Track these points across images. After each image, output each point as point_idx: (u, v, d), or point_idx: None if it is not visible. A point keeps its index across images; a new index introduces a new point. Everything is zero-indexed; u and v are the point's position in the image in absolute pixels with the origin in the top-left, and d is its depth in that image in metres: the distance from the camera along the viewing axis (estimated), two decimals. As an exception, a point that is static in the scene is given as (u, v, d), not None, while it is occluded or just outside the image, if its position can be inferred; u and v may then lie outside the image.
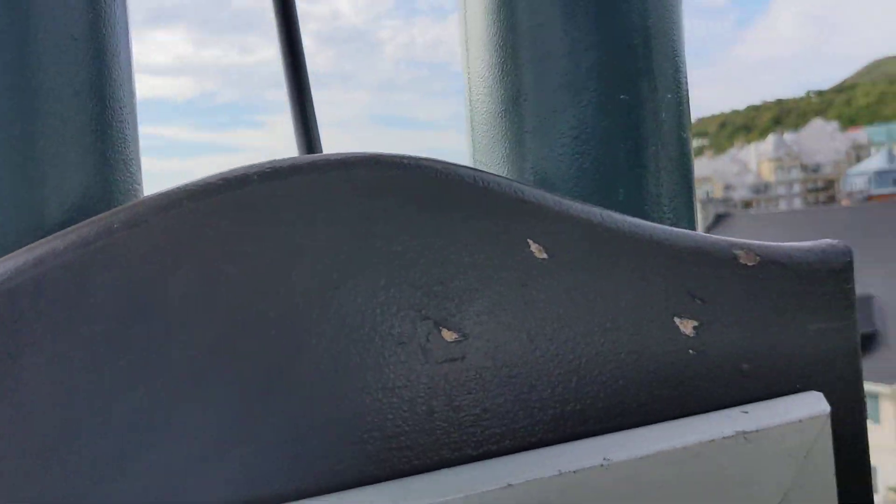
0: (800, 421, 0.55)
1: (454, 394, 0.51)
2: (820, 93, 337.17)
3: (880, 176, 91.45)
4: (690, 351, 0.56)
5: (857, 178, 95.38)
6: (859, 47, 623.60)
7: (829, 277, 0.59)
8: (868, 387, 39.13)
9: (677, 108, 0.77)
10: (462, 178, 0.52)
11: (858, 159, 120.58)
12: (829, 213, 51.21)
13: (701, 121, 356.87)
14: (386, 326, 0.50)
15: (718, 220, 54.82)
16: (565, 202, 0.56)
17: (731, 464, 0.53)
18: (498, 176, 0.55)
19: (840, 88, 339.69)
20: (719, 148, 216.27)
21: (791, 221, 51.76)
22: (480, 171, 0.54)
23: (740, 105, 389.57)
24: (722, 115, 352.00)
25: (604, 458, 0.50)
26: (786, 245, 0.60)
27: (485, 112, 0.76)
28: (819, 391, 0.58)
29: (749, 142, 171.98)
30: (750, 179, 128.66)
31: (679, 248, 0.57)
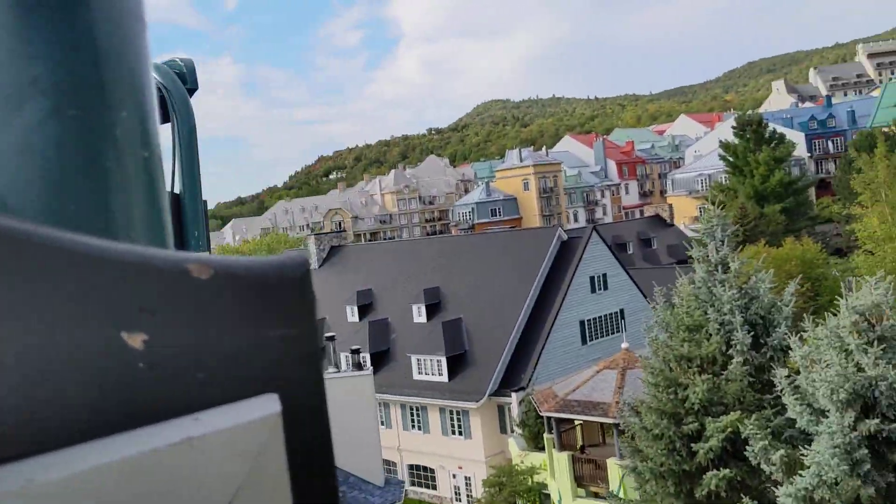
0: (250, 422, 0.56)
1: None
2: (439, 131, 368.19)
3: (480, 207, 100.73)
4: (140, 364, 0.55)
5: (463, 208, 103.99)
6: (471, 91, 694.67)
7: (288, 287, 0.60)
8: (458, 404, 41.63)
9: (138, 128, 0.76)
10: None
11: (466, 191, 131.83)
12: (426, 243, 54.21)
13: (338, 154, 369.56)
14: None
15: (332, 253, 55.25)
16: None
17: (178, 471, 0.53)
18: None
19: (455, 127, 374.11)
20: (354, 180, 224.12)
21: (397, 250, 53.93)
22: None
23: (373, 140, 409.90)
24: (357, 148, 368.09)
25: (26, 480, 0.47)
26: (245, 258, 0.61)
27: None
28: (279, 394, 0.59)
29: (380, 175, 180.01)
30: (376, 210, 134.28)
31: (126, 262, 0.55)
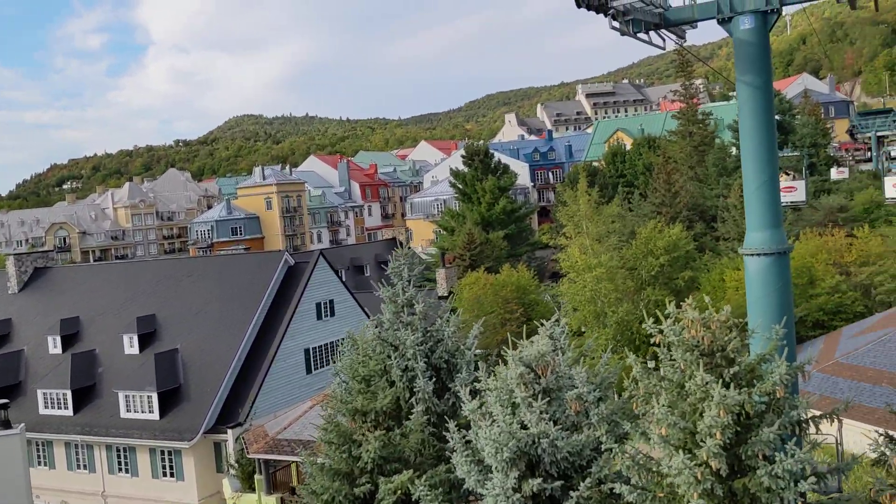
0: None
1: None
2: (187, 143, 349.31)
3: (220, 225, 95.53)
4: None
5: (202, 226, 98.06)
6: (223, 104, 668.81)
7: None
8: (170, 444, 37.77)
9: None
10: None
11: (209, 208, 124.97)
12: (144, 265, 49.35)
13: (74, 162, 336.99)
14: None
15: (37, 275, 48.61)
16: None
17: None
18: None
19: (205, 141, 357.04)
20: (91, 192, 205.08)
21: (113, 273, 48.47)
22: None
23: (114, 149, 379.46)
24: (96, 157, 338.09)
25: None
26: None
27: None
28: None
29: (120, 186, 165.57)
30: (107, 226, 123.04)
31: None
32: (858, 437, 22.23)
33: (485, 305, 41.40)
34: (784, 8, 13.79)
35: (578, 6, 12.47)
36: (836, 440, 13.37)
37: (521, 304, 42.02)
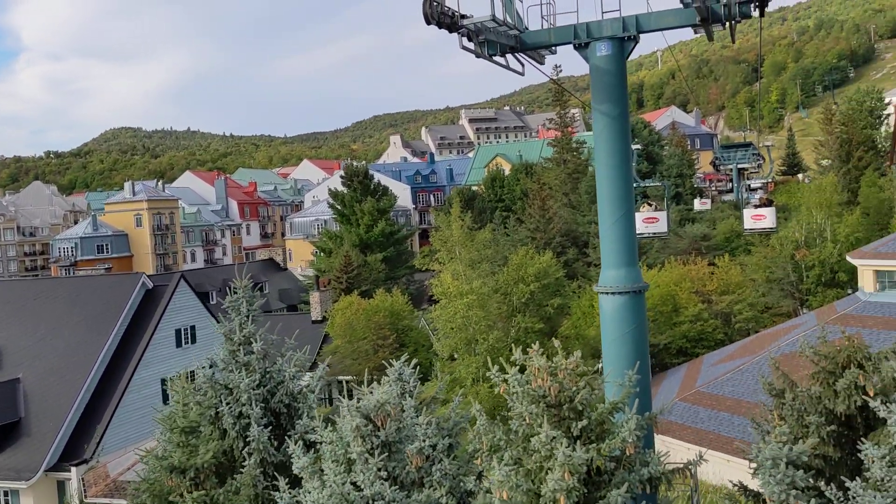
0: None
1: None
2: (58, 155, 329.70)
3: (85, 242, 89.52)
4: None
5: (65, 243, 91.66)
6: (99, 115, 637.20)
7: None
8: (5, 484, 34.10)
9: None
10: None
11: (77, 223, 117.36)
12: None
13: None
14: None
15: None
16: None
17: None
18: None
19: (79, 153, 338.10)
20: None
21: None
22: None
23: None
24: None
25: None
26: None
27: None
28: None
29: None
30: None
31: None
32: (717, 467, 22.15)
33: (357, 331, 39.84)
34: (642, 37, 13.24)
35: (428, 23, 11.40)
36: (692, 488, 12.75)
37: (394, 329, 40.73)
